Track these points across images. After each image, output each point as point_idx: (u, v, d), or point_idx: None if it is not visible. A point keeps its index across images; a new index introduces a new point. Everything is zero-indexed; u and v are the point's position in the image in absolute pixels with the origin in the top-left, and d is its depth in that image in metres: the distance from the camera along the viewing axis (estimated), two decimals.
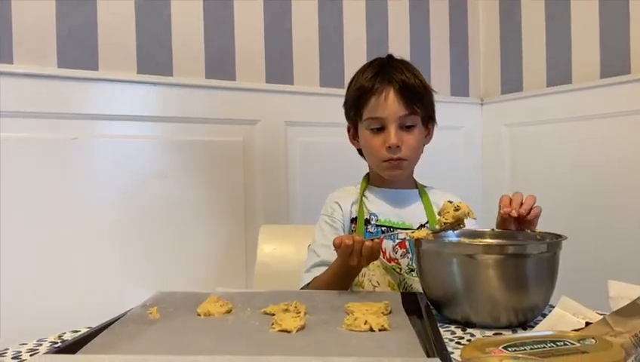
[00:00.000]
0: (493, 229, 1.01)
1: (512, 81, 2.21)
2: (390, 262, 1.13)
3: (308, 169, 1.88)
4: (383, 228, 1.16)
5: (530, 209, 0.99)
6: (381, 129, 1.15)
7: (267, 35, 1.84)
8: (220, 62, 1.75)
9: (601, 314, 0.75)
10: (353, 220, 1.19)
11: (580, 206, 1.92)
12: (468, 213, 0.96)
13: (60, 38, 1.51)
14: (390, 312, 0.81)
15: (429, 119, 1.20)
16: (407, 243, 1.13)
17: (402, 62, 1.20)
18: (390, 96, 1.13)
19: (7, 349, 0.74)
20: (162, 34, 1.66)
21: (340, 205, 1.21)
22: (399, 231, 1.15)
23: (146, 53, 1.63)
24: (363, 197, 1.20)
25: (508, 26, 2.22)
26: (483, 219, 2.02)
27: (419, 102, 1.14)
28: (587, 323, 0.73)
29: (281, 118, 1.84)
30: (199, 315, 0.82)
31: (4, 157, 1.42)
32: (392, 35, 2.10)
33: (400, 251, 1.14)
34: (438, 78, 2.21)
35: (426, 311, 0.81)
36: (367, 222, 1.17)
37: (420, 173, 1.27)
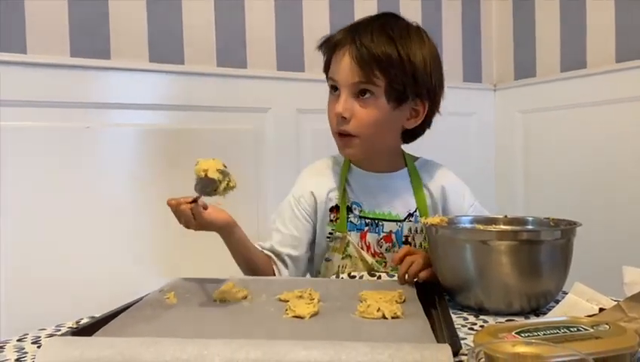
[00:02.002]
0: (506, 216, 1.00)
1: (525, 66, 2.18)
2: (374, 256, 1.06)
3: (320, 156, 1.86)
4: (367, 220, 1.07)
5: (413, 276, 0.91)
6: (338, 95, 0.99)
7: (278, 22, 1.83)
8: (231, 50, 1.75)
9: (615, 300, 0.75)
10: (334, 209, 1.08)
11: (595, 192, 1.90)
12: (206, 170, 0.85)
13: (72, 27, 1.51)
14: (404, 301, 0.81)
15: (400, 95, 0.99)
16: (393, 236, 1.07)
17: (385, 24, 1.00)
18: (346, 57, 0.98)
19: (27, 334, 0.75)
20: (174, 22, 1.66)
21: (313, 194, 1.10)
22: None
23: (158, 41, 1.63)
24: (345, 184, 1.09)
25: (521, 9, 2.19)
26: (496, 206, 2.03)
27: (381, 71, 0.95)
28: (601, 309, 0.72)
29: (292, 106, 1.84)
30: (215, 301, 0.83)
31: (18, 146, 1.44)
32: None
33: (385, 245, 1.07)
34: (450, 64, 2.18)
35: (439, 297, 0.82)
36: (350, 210, 1.07)
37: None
